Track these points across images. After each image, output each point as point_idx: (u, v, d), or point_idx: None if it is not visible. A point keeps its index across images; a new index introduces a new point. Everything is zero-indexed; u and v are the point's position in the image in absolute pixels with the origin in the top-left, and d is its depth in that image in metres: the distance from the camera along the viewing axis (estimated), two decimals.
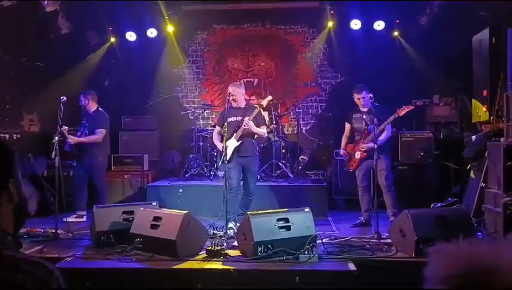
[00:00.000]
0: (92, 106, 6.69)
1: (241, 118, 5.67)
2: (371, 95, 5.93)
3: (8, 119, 7.81)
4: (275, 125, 7.98)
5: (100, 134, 6.54)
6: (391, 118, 5.71)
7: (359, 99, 5.92)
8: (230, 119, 5.67)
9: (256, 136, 5.82)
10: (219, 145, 5.84)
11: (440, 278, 0.90)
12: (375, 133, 5.45)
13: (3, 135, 6.95)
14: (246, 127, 5.58)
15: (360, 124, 5.97)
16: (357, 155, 5.95)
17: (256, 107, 5.89)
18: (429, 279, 0.92)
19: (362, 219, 5.98)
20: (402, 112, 5.68)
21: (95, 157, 6.58)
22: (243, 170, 5.76)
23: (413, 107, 5.77)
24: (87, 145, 6.54)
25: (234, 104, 5.76)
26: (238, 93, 5.79)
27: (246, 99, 6.20)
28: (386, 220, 5.69)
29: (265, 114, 8.07)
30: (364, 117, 5.69)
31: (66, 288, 1.11)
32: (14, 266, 1.07)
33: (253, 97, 8.18)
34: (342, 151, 6.23)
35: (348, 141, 6.21)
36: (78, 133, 6.62)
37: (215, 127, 6.36)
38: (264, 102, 5.93)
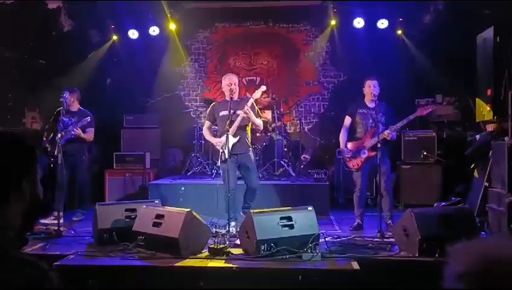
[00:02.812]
0: (76, 104, 6.61)
1: (232, 111, 5.42)
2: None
3: (10, 117, 7.80)
4: (278, 122, 7.96)
5: (92, 133, 6.58)
6: (412, 117, 5.40)
7: (372, 87, 5.53)
8: (222, 113, 5.54)
9: (249, 128, 5.65)
10: (213, 141, 5.72)
11: (459, 277, 0.88)
12: (379, 131, 5.35)
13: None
14: (245, 116, 5.39)
15: (367, 120, 5.63)
16: (363, 154, 5.59)
17: (250, 98, 5.65)
18: (448, 277, 0.90)
19: (359, 221, 5.80)
20: (424, 111, 5.42)
21: (82, 154, 6.61)
22: (240, 167, 5.63)
23: (435, 107, 5.52)
24: (76, 143, 6.45)
25: (234, 96, 5.48)
26: (237, 83, 5.60)
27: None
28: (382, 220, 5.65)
29: (267, 113, 8.06)
30: (372, 113, 5.43)
31: (59, 288, 1.08)
32: (8, 266, 1.04)
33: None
34: (345, 150, 5.73)
35: (347, 137, 5.76)
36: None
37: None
38: (258, 94, 5.52)
